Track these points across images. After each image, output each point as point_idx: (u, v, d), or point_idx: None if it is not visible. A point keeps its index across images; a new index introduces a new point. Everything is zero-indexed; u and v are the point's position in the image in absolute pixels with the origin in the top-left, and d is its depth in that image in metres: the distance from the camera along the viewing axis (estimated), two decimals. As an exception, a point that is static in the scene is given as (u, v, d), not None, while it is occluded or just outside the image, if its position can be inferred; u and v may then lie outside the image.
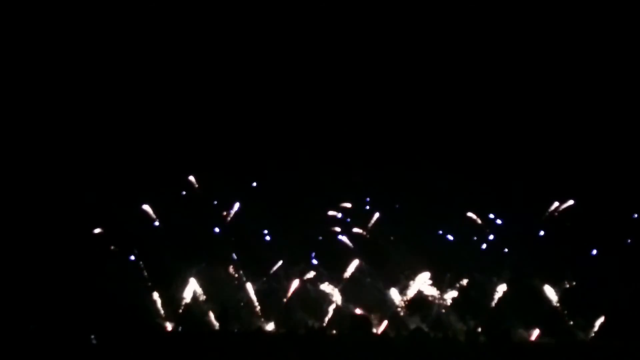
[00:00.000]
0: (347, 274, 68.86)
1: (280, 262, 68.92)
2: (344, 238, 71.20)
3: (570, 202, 69.18)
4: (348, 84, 69.82)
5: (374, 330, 62.47)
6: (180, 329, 66.25)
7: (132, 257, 68.30)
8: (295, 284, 68.38)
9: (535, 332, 65.77)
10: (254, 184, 72.40)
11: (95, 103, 69.35)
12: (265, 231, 70.39)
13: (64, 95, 68.67)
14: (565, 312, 65.84)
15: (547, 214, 69.51)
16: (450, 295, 68.10)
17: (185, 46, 69.68)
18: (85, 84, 69.10)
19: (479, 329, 65.29)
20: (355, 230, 71.65)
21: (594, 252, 66.21)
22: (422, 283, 68.45)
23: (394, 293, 68.18)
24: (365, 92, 69.91)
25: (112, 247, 68.77)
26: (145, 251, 68.38)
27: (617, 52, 65.47)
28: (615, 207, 65.86)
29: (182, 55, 69.92)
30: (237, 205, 71.70)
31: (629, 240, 66.37)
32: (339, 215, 71.97)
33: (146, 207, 70.65)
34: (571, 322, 65.45)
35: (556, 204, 69.37)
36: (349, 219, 71.79)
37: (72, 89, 69.01)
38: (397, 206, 71.84)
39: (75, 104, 69.09)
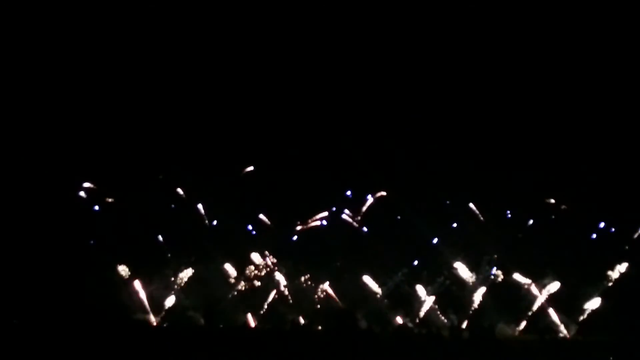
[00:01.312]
0: (331, 269, 69.01)
1: (265, 258, 69.09)
2: (327, 234, 71.43)
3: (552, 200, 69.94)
4: (338, 85, 69.84)
5: (359, 326, 62.43)
6: (165, 324, 66.12)
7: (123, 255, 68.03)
8: (280, 279, 68.54)
9: (519, 328, 66.49)
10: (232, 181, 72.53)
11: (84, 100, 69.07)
12: (250, 227, 70.65)
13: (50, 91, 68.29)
14: (549, 308, 66.44)
15: (533, 210, 70.18)
16: (433, 291, 68.35)
17: (166, 41, 69.41)
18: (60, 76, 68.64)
19: (463, 325, 65.78)
20: (339, 226, 71.92)
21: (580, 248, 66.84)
22: (405, 278, 68.76)
23: (378, 289, 68.42)
24: (359, 90, 69.90)
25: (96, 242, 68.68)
26: (132, 247, 68.04)
27: (620, 52, 65.45)
28: (602, 205, 66.55)
29: (164, 51, 69.69)
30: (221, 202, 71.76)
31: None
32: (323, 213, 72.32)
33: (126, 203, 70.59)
34: (555, 319, 66.08)
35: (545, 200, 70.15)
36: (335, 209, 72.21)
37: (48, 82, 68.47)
38: (379, 201, 72.14)
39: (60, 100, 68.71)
